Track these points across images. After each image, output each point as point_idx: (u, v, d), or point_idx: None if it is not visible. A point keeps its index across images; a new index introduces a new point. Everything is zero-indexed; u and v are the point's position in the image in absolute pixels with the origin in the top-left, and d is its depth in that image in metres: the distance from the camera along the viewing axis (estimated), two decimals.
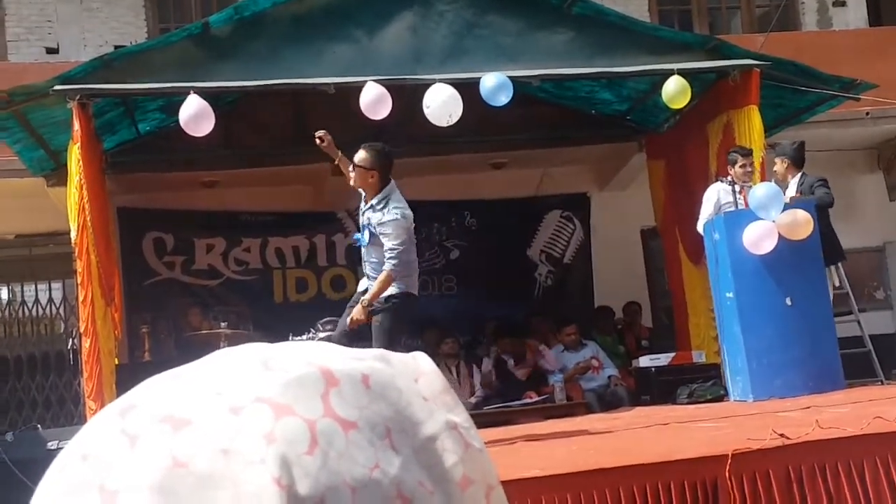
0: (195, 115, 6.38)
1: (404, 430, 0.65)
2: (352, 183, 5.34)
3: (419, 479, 0.64)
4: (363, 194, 5.36)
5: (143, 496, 0.57)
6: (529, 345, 8.81)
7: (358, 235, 5.46)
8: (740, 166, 6.94)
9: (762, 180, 6.94)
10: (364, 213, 5.29)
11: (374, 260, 5.27)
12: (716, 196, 7.05)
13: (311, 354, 0.67)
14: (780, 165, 7.23)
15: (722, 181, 7.04)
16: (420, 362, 0.72)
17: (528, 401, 8.28)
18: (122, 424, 0.61)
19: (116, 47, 9.19)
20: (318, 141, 5.43)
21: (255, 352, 0.68)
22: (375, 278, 5.21)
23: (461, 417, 0.70)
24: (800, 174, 7.16)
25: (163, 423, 0.61)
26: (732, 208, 6.81)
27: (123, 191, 8.77)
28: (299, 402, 0.62)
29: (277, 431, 0.60)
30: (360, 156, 5.30)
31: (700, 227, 7.15)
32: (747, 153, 7.02)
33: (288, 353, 0.67)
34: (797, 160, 7.25)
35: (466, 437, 0.68)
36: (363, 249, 5.37)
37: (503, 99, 6.70)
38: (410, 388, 0.68)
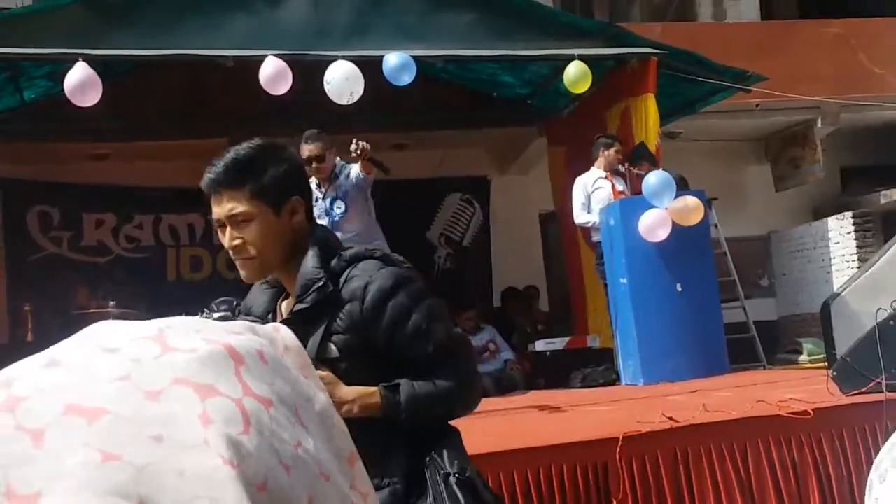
0: (81, 85, 6.12)
1: (304, 406, 0.63)
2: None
3: (328, 456, 0.62)
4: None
5: (79, 497, 0.50)
6: None
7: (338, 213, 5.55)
8: (615, 150, 7.16)
9: (657, 168, 7.11)
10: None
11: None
12: (582, 187, 7.24)
13: (198, 330, 0.62)
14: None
15: (621, 168, 7.19)
16: (284, 335, 0.69)
17: None
18: (13, 420, 0.53)
19: (0, 9, 8.73)
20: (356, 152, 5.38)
21: (142, 329, 0.62)
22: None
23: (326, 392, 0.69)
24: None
25: (69, 414, 0.54)
26: (603, 191, 7.04)
27: (6, 161, 8.38)
28: (220, 382, 0.58)
29: (210, 412, 0.55)
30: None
31: (576, 219, 7.33)
32: (619, 139, 7.27)
33: (176, 329, 0.62)
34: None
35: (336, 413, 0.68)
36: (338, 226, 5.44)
37: (406, 78, 6.65)
38: (290, 363, 0.66)
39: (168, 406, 0.56)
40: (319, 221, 5.20)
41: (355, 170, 5.52)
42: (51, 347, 0.61)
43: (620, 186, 7.10)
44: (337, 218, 5.47)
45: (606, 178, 7.15)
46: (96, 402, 0.55)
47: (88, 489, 0.50)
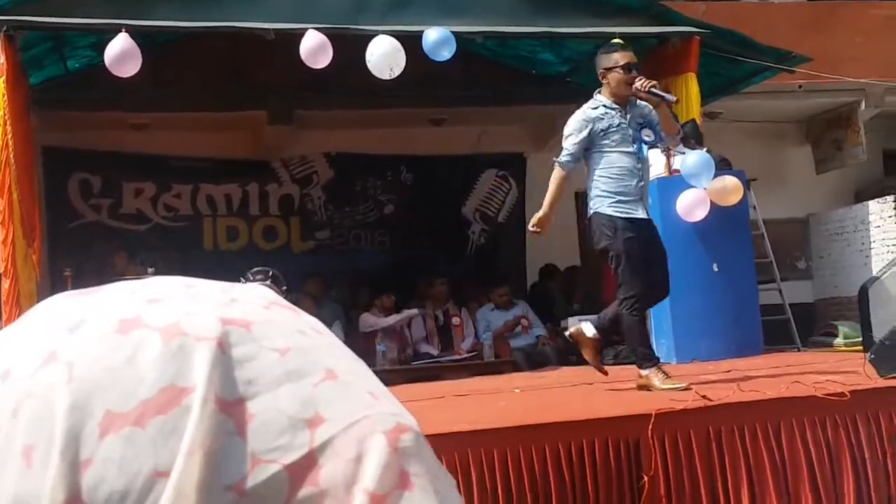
0: (121, 56, 6.18)
1: None
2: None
3: None
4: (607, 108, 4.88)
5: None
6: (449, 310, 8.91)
7: (647, 140, 4.88)
8: None
9: (702, 147, 7.05)
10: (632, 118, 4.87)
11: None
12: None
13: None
14: None
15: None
16: None
17: (457, 357, 8.35)
18: (260, 343, 0.59)
19: None
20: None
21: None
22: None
23: None
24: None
25: (271, 308, 0.62)
26: (655, 168, 6.91)
27: (49, 129, 8.47)
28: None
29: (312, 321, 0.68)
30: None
31: None
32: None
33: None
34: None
35: None
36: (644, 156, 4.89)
37: (445, 54, 6.65)
38: None
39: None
40: (621, 148, 4.77)
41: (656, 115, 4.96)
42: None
43: (678, 164, 6.94)
44: (648, 145, 4.90)
45: (666, 153, 6.94)
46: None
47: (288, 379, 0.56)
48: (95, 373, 0.53)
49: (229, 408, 0.52)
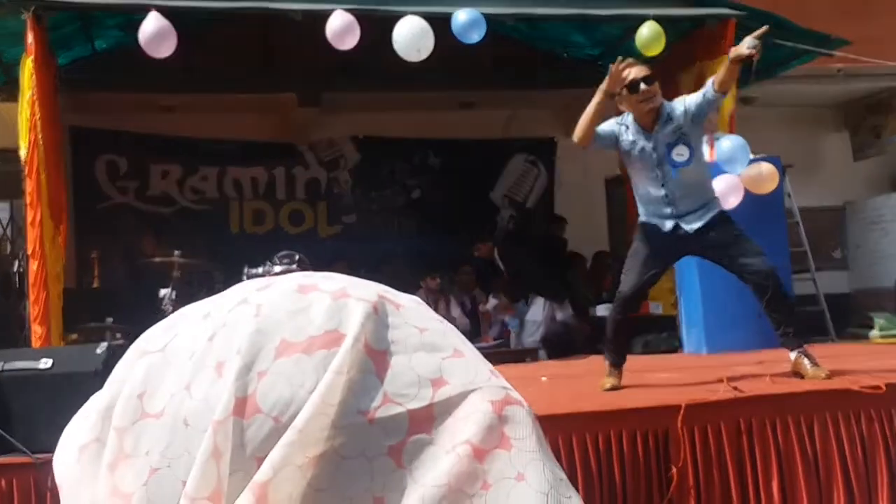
0: (156, 35, 6.14)
1: None
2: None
3: None
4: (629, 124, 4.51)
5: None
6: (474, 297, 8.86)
7: (678, 161, 4.37)
8: None
9: (731, 133, 6.89)
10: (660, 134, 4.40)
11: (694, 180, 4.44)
12: None
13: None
14: None
15: None
16: None
17: (484, 345, 8.27)
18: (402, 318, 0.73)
19: None
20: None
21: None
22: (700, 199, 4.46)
23: None
24: None
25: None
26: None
27: (77, 109, 8.49)
28: None
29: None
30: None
31: None
32: None
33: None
34: None
35: None
36: (677, 177, 4.41)
37: (475, 36, 6.55)
38: None
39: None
40: (644, 174, 4.40)
41: (692, 98, 4.40)
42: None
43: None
44: (680, 167, 4.37)
45: (708, 142, 6.78)
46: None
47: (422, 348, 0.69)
48: (277, 312, 0.66)
49: (374, 354, 0.65)
